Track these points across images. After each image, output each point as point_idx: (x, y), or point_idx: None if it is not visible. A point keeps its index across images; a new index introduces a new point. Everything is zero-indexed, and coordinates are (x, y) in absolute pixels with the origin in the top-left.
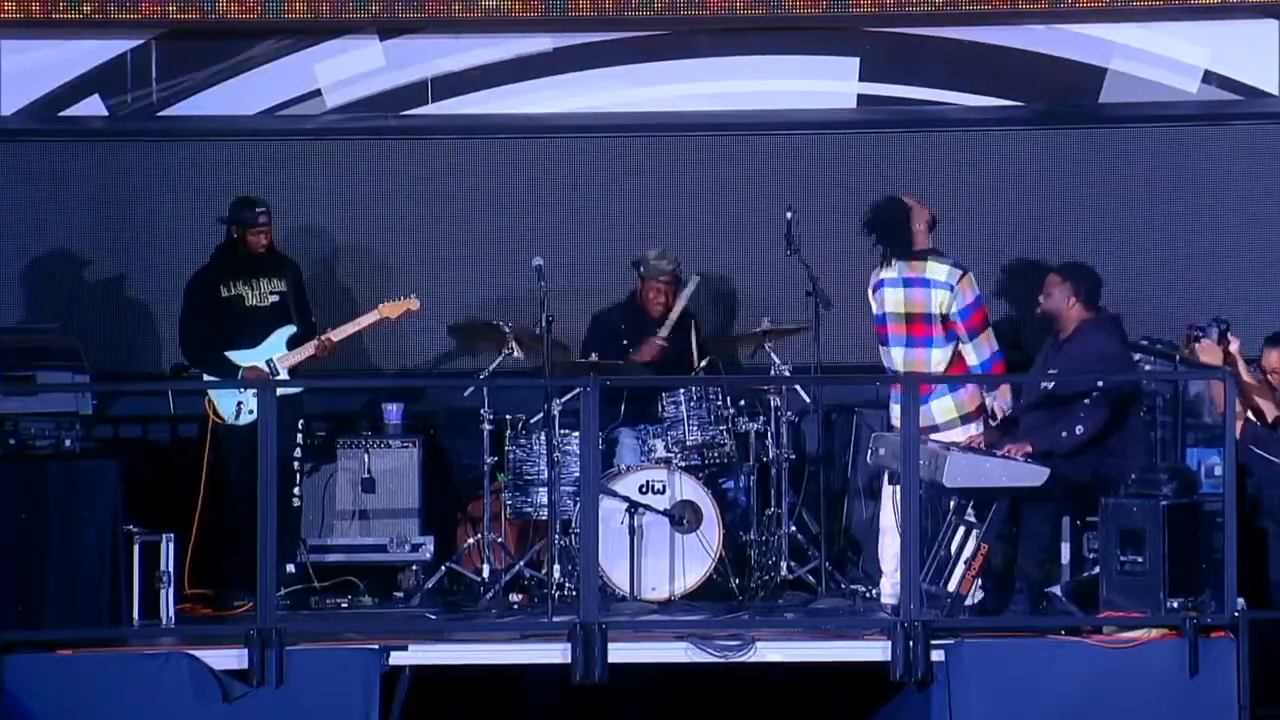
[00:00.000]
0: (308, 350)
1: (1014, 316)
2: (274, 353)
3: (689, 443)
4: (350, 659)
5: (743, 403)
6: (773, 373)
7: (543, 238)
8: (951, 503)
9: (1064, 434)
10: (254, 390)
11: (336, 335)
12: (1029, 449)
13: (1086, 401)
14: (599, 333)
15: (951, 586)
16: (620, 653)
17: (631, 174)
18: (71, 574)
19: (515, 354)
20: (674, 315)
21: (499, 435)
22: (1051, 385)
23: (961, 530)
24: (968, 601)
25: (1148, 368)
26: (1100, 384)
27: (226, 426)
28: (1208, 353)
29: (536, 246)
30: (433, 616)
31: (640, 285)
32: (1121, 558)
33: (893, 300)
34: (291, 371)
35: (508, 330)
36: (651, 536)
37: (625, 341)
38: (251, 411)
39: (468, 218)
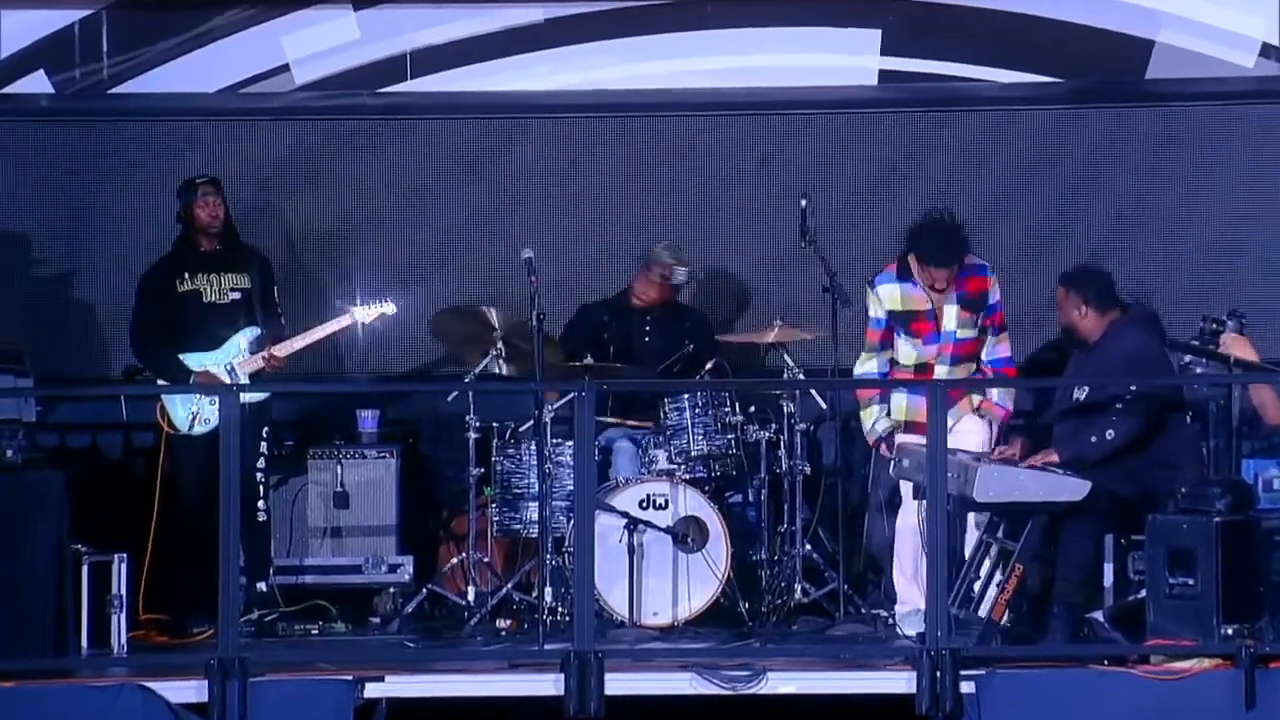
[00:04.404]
0: (256, 363)
1: (1051, 312)
2: (234, 356)
3: (694, 453)
4: (321, 691)
5: (753, 409)
6: (786, 376)
7: (533, 228)
8: (975, 518)
9: (1093, 439)
10: (210, 398)
11: (282, 351)
12: (1055, 457)
13: (1119, 405)
14: (581, 322)
15: (983, 612)
16: (618, 684)
17: (631, 157)
18: (13, 598)
19: (501, 355)
20: None
21: (485, 444)
22: (1083, 393)
23: (994, 550)
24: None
25: (1199, 370)
26: (1133, 387)
27: (181, 436)
28: (1237, 345)
29: (526, 237)
30: (412, 644)
31: (636, 273)
32: (1170, 580)
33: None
34: (254, 377)
35: (495, 326)
36: (653, 556)
37: (606, 335)
38: (207, 421)
39: (450, 205)
